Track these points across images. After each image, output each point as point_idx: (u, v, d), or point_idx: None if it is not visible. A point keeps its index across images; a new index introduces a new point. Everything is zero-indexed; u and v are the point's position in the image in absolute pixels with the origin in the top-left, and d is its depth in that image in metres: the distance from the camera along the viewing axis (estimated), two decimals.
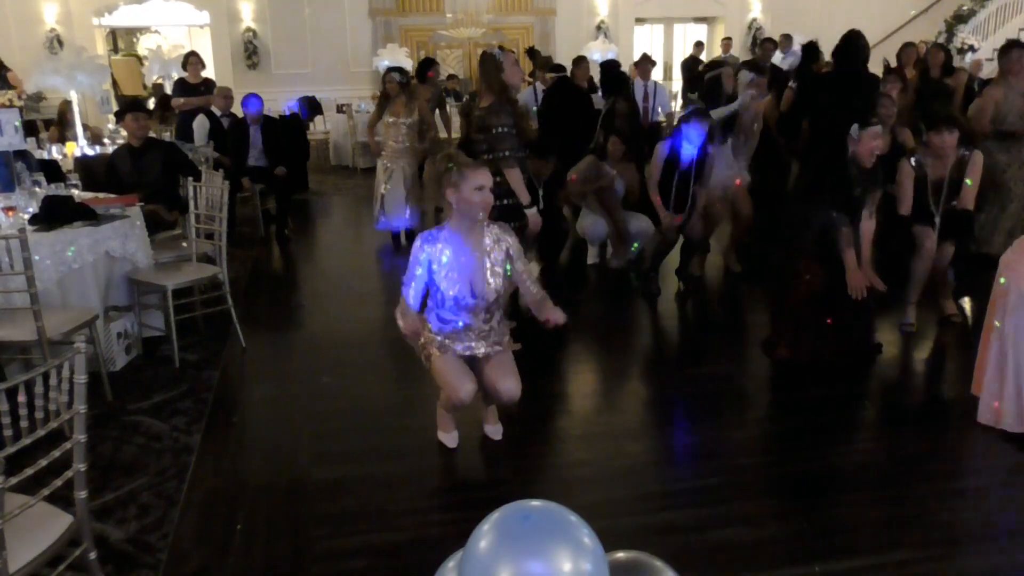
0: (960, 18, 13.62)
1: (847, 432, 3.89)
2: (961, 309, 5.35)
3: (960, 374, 4.35)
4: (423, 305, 3.51)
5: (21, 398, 2.09)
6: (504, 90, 4.63)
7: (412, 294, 3.43)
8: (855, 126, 4.48)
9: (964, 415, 3.90)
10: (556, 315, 3.49)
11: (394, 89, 7.33)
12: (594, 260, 6.72)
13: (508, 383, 3.45)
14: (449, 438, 3.70)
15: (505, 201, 4.55)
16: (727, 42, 13.28)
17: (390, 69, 7.59)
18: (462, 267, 3.36)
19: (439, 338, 3.47)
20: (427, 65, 9.33)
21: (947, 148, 4.82)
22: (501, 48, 4.89)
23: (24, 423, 2.13)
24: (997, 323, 3.70)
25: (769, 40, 9.61)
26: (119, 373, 4.55)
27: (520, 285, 3.54)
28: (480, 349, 3.50)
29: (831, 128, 5.06)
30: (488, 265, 3.39)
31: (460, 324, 3.44)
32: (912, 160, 4.92)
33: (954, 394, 4.32)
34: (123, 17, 13.90)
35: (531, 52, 9.65)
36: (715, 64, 7.93)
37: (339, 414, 4.09)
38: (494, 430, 3.77)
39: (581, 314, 5.59)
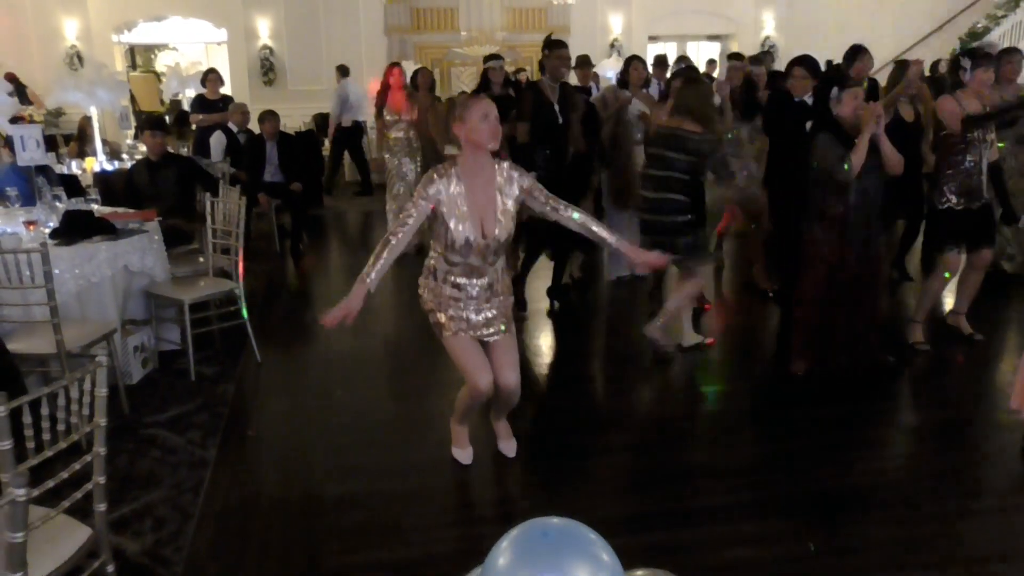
0: (974, 35, 13.60)
1: (862, 450, 3.86)
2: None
3: (978, 392, 4.33)
4: (423, 255, 3.45)
5: (43, 411, 2.12)
6: (711, 122, 4.66)
7: (403, 231, 3.17)
8: (835, 88, 4.45)
9: (982, 434, 3.88)
10: (647, 257, 3.39)
11: (397, 82, 7.43)
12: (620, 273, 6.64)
13: (508, 375, 3.43)
14: (464, 455, 3.71)
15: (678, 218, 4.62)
16: (711, 65, 13.29)
17: (394, 63, 7.71)
18: (473, 203, 3.26)
19: (448, 312, 3.37)
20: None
21: (987, 85, 4.77)
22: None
23: (45, 436, 2.16)
24: None
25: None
26: (136, 386, 4.58)
27: (555, 216, 3.35)
28: (488, 324, 3.40)
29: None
30: (500, 202, 3.31)
31: (468, 269, 3.32)
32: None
33: (971, 413, 4.29)
34: (142, 34, 14.06)
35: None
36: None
37: (353, 429, 4.10)
38: (508, 446, 3.77)
39: (593, 328, 5.59)
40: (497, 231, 3.28)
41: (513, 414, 3.79)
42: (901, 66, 5.97)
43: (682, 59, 8.75)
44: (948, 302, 5.59)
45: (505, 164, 3.37)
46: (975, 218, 4.81)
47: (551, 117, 5.56)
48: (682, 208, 4.64)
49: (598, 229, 3.38)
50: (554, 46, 5.60)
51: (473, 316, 3.38)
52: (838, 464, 3.67)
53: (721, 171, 4.91)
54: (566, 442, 3.98)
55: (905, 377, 4.71)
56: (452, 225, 3.23)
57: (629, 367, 5.03)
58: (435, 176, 3.25)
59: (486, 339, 3.42)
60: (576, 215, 3.34)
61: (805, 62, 5.41)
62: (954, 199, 4.73)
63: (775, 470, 3.67)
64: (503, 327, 3.44)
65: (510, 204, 3.31)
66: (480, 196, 3.27)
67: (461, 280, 3.35)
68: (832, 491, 3.44)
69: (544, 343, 5.41)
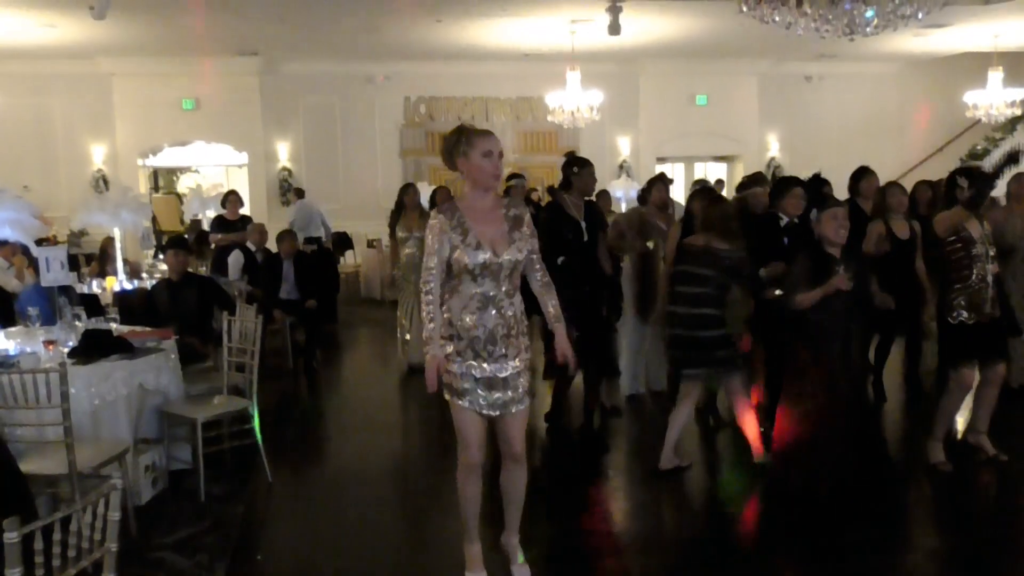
0: (975, 156, 13.94)
1: None
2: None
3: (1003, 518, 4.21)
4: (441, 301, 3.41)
5: (55, 535, 2.09)
6: (738, 237, 4.76)
7: (434, 281, 3.31)
8: (814, 210, 4.54)
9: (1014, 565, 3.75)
10: (567, 349, 3.48)
11: (412, 201, 7.58)
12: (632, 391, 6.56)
13: (516, 447, 3.45)
14: None
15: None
16: (719, 185, 13.68)
17: (408, 184, 7.91)
18: (481, 232, 3.29)
19: (456, 368, 3.32)
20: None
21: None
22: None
23: (55, 560, 2.12)
24: None
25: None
26: (144, 507, 4.50)
27: (527, 267, 3.45)
28: (504, 397, 3.34)
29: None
30: (507, 230, 3.34)
31: (483, 301, 3.30)
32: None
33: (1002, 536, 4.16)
34: (167, 158, 14.58)
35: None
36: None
37: (365, 552, 4.01)
38: (522, 571, 3.65)
39: (613, 448, 5.52)
40: (507, 254, 3.30)
41: (528, 536, 3.70)
42: (884, 189, 6.11)
43: (699, 182, 9.01)
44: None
45: (508, 199, 3.49)
46: (987, 331, 4.78)
47: (576, 234, 5.50)
48: (717, 322, 4.71)
49: (551, 306, 3.49)
50: (584, 163, 5.68)
51: (488, 378, 3.32)
52: None
53: (749, 284, 4.97)
54: (581, 567, 3.86)
55: (929, 499, 4.60)
56: (462, 250, 3.27)
57: (643, 489, 4.93)
58: (436, 215, 3.35)
59: (501, 414, 3.39)
60: (542, 283, 3.48)
61: (803, 184, 5.53)
62: (965, 314, 4.73)
63: None
64: (520, 404, 3.39)
65: (516, 233, 3.36)
66: (486, 224, 3.32)
67: (477, 315, 3.31)
68: None
69: (563, 464, 5.34)
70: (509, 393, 3.37)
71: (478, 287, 3.30)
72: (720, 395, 6.07)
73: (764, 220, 5.38)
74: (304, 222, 11.45)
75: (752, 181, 6.17)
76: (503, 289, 3.33)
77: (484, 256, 3.27)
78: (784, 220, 5.26)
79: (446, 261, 3.33)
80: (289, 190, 13.93)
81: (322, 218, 11.76)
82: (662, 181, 6.80)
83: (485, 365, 3.33)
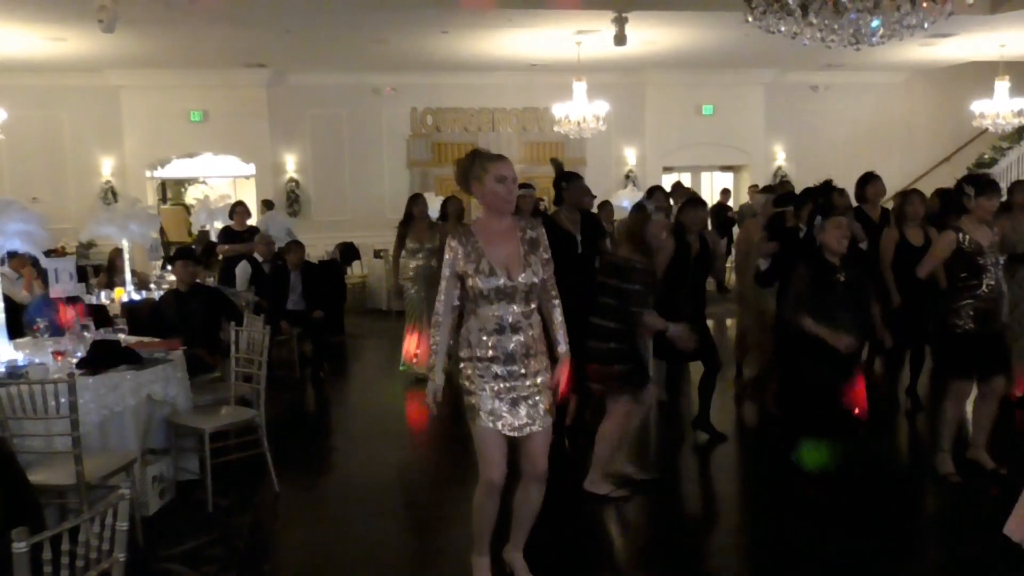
0: (982, 165, 13.92)
1: None
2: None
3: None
4: (459, 324, 3.44)
5: (63, 546, 2.10)
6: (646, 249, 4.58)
7: (443, 308, 3.37)
8: (818, 217, 4.51)
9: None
10: (561, 380, 3.46)
11: (420, 212, 7.58)
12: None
13: (539, 464, 3.44)
14: None
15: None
16: (725, 194, 13.70)
17: (416, 194, 7.91)
18: (495, 255, 3.29)
19: (477, 388, 3.32)
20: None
21: (990, 212, 4.74)
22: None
23: (63, 572, 2.13)
24: None
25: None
26: (152, 518, 4.51)
27: (541, 294, 3.43)
28: (526, 416, 3.34)
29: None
30: (523, 252, 3.33)
31: (500, 324, 3.29)
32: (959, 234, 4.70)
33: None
34: (175, 170, 14.65)
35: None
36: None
37: (372, 564, 4.00)
38: None
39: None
40: (522, 277, 3.29)
41: (531, 550, 3.68)
42: (903, 196, 6.10)
43: (685, 191, 9.08)
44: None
45: (523, 221, 3.45)
46: (990, 344, 4.73)
47: (571, 248, 5.47)
48: (618, 336, 4.50)
49: (560, 336, 3.49)
50: (572, 178, 5.69)
51: (507, 404, 3.32)
52: None
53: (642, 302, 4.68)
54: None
55: (933, 509, 4.57)
56: (475, 276, 3.27)
57: (649, 502, 4.91)
58: (451, 241, 3.36)
59: (522, 433, 3.38)
60: (556, 311, 3.48)
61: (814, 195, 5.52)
62: (971, 324, 4.69)
63: None
64: (541, 423, 3.38)
65: (532, 256, 3.34)
66: (500, 247, 3.32)
67: (495, 338, 3.31)
68: None
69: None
70: (530, 412, 3.37)
71: (495, 310, 3.31)
72: (716, 406, 5.93)
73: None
74: (278, 232, 11.29)
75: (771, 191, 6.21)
76: (520, 311, 3.34)
77: (498, 282, 3.28)
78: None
79: (461, 286, 3.37)
80: (296, 200, 13.99)
81: (289, 229, 11.58)
82: (661, 190, 6.82)
83: (504, 385, 3.33)
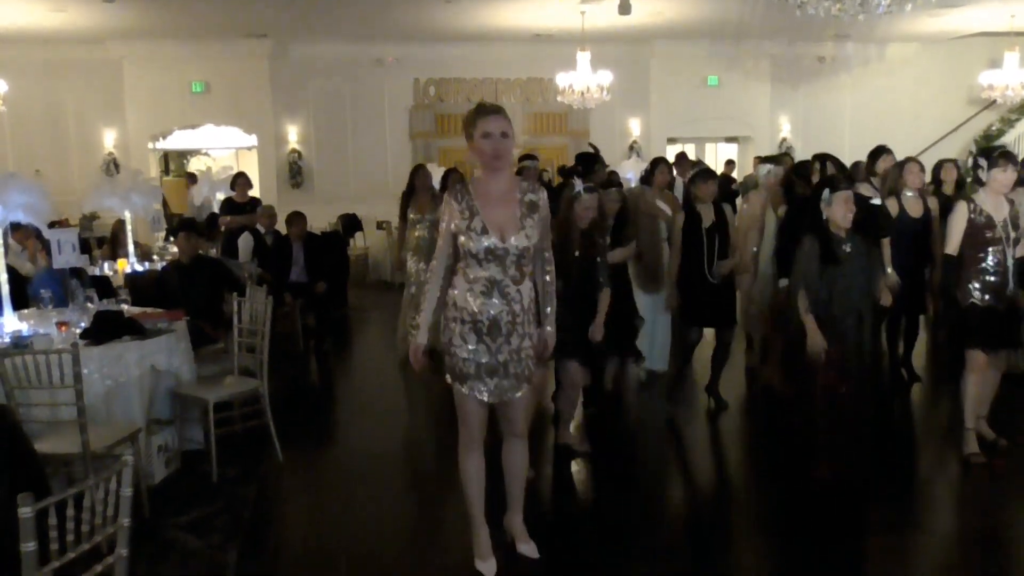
0: (989, 137, 13.82)
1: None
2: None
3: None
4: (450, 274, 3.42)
5: (68, 511, 2.11)
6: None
7: (439, 263, 3.39)
8: (826, 191, 4.47)
9: None
10: (544, 354, 3.52)
11: (423, 183, 7.53)
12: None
13: (516, 428, 3.51)
14: (486, 566, 3.55)
15: None
16: (729, 165, 13.61)
17: (419, 165, 7.86)
18: (489, 216, 3.25)
19: (459, 351, 3.32)
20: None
21: (1006, 185, 4.63)
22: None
23: (69, 536, 2.14)
24: None
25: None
26: (157, 487, 4.54)
27: (536, 263, 3.43)
28: (506, 384, 3.35)
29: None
30: (519, 215, 3.29)
31: (488, 285, 3.27)
32: (970, 205, 4.64)
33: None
34: (177, 141, 14.59)
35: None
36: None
37: (376, 535, 4.03)
38: (529, 548, 3.67)
39: (614, 432, 5.52)
40: (515, 239, 3.26)
41: (533, 527, 3.71)
42: (900, 166, 6.03)
43: (697, 163, 9.04)
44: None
45: (525, 182, 3.42)
46: (999, 317, 4.70)
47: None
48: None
49: (548, 308, 3.51)
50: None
51: (489, 363, 3.32)
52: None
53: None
54: (590, 552, 3.88)
55: (942, 482, 4.58)
56: (466, 234, 3.24)
57: (651, 473, 4.94)
58: (448, 197, 3.35)
59: (501, 399, 3.41)
60: (548, 285, 3.49)
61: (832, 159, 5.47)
62: (978, 296, 4.66)
63: None
64: (518, 390, 3.40)
65: (528, 218, 3.30)
66: (496, 207, 3.28)
67: (481, 300, 3.29)
68: None
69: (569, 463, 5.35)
70: (508, 380, 3.37)
71: (483, 271, 3.28)
72: (725, 376, 5.96)
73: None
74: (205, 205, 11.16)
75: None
76: (509, 275, 3.29)
77: (489, 242, 3.23)
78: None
79: (453, 243, 3.34)
80: (299, 172, 13.94)
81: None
82: (665, 162, 6.80)
83: (485, 349, 3.32)
